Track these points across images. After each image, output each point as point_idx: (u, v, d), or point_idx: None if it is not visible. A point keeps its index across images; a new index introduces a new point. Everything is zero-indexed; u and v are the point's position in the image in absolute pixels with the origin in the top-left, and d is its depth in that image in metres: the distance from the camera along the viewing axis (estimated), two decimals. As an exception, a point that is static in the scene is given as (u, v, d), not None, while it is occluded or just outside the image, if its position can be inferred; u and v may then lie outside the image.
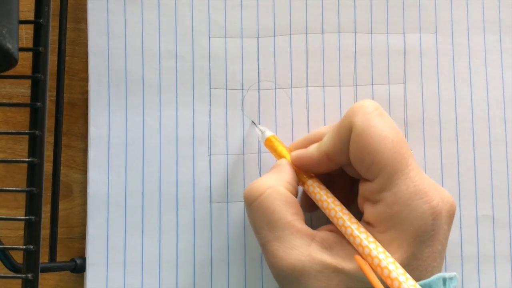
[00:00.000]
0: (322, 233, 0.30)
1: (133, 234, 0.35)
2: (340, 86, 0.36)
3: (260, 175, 0.36)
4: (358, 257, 0.28)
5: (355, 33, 0.37)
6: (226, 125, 0.36)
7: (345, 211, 0.30)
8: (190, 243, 0.35)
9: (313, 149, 0.31)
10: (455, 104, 0.37)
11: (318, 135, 0.32)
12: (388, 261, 0.27)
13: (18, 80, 0.36)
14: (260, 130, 0.35)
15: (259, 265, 0.35)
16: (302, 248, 0.29)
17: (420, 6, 0.37)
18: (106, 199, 0.35)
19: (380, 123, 0.29)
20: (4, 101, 0.36)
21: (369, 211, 0.29)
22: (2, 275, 0.29)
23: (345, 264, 0.28)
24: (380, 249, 0.28)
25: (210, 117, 0.36)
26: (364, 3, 0.37)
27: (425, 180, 0.29)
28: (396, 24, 0.37)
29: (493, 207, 0.36)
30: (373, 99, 0.36)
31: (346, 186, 0.33)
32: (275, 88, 0.36)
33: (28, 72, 0.29)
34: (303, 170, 0.32)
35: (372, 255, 0.28)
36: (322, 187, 0.31)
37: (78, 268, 0.35)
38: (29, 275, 0.27)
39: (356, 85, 0.36)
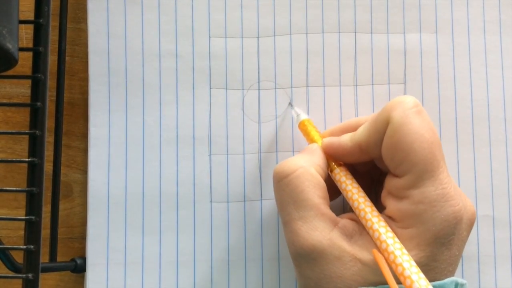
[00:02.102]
0: (344, 221, 0.30)
1: (133, 234, 0.35)
2: (340, 86, 0.36)
3: (260, 175, 0.36)
4: (375, 252, 0.28)
5: (355, 33, 0.37)
6: (226, 125, 0.36)
7: (368, 203, 0.30)
8: (190, 243, 0.35)
9: (346, 138, 0.31)
10: (455, 104, 0.37)
11: (352, 125, 0.33)
12: (403, 259, 0.27)
13: (18, 80, 0.36)
14: (296, 112, 0.35)
15: (259, 265, 0.35)
16: (324, 231, 0.29)
17: (420, 6, 0.37)
18: (106, 199, 0.35)
19: (417, 121, 0.29)
20: (4, 101, 0.36)
21: (393, 206, 0.29)
22: (3, 275, 0.29)
23: (363, 255, 0.29)
24: (398, 245, 0.28)
25: (210, 117, 0.36)
26: (364, 3, 0.37)
27: (452, 185, 0.29)
28: (396, 24, 0.37)
29: (493, 207, 0.36)
30: (373, 99, 0.36)
31: (369, 177, 0.33)
32: (275, 88, 0.36)
33: (28, 72, 0.29)
34: (333, 158, 0.32)
35: (389, 250, 0.28)
36: (349, 176, 0.31)
37: (78, 268, 0.35)
38: (30, 275, 0.27)
39: (356, 85, 0.36)
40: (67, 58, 0.36)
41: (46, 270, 0.34)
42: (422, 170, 0.28)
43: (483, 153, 0.36)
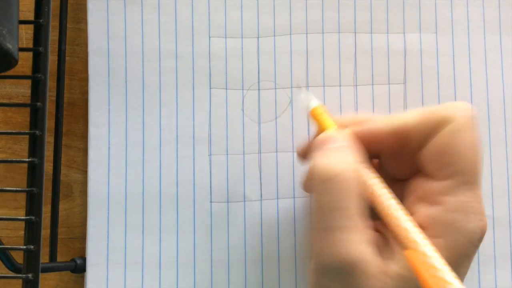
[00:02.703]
0: (373, 233, 0.29)
1: (133, 234, 0.35)
2: (340, 86, 0.36)
3: (260, 175, 0.36)
4: (408, 253, 0.26)
5: (355, 33, 0.37)
6: (226, 125, 0.36)
7: (400, 205, 0.28)
8: (190, 243, 0.35)
9: (381, 121, 0.29)
10: (455, 104, 0.37)
11: (366, 119, 0.30)
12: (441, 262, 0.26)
13: (18, 80, 0.36)
14: (307, 97, 0.32)
15: (259, 265, 0.35)
16: (358, 244, 0.27)
17: (420, 6, 0.37)
18: (106, 199, 0.35)
19: (476, 133, 0.28)
20: (4, 101, 0.36)
21: (424, 212, 0.28)
22: (3, 275, 0.29)
23: (393, 269, 0.27)
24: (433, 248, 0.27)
25: (210, 117, 0.36)
26: (364, 3, 0.37)
27: (483, 204, 0.28)
28: (396, 24, 0.37)
29: (493, 207, 0.36)
30: (373, 99, 0.36)
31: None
32: (275, 88, 0.36)
33: (28, 72, 0.29)
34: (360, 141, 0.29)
35: (428, 254, 0.26)
36: (377, 174, 0.29)
37: (78, 268, 0.35)
38: (30, 275, 0.27)
39: (356, 85, 0.36)
40: (67, 58, 0.36)
41: (46, 270, 0.34)
42: (466, 180, 0.28)
43: (484, 153, 0.36)
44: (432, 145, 0.28)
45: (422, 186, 0.29)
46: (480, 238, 0.28)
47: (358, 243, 0.27)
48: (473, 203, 0.28)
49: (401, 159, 0.30)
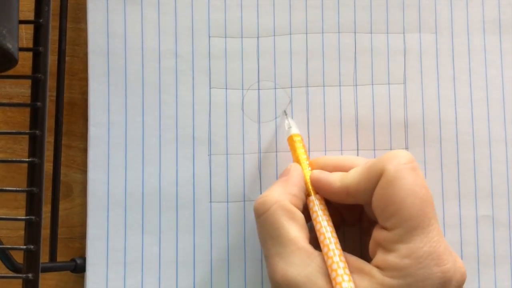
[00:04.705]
0: (322, 256, 0.30)
1: (133, 234, 0.35)
2: (340, 86, 0.36)
3: (260, 175, 0.36)
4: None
5: (355, 33, 0.37)
6: (226, 125, 0.36)
7: (333, 239, 0.30)
8: (190, 243, 0.35)
9: (336, 178, 0.31)
10: (455, 104, 0.37)
11: (346, 165, 0.32)
12: None
13: (18, 80, 0.36)
14: (288, 124, 0.35)
15: (259, 265, 0.35)
16: (300, 267, 0.29)
17: (420, 6, 0.37)
18: (106, 199, 0.35)
19: (411, 177, 0.29)
20: (4, 101, 0.36)
21: (380, 256, 0.29)
22: (3, 275, 0.29)
23: None
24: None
25: (210, 117, 0.36)
26: (364, 3, 0.37)
27: (443, 244, 0.29)
28: (396, 24, 0.37)
29: (493, 207, 0.36)
30: (373, 99, 0.36)
31: (353, 208, 0.33)
32: (275, 88, 0.36)
33: (28, 72, 0.29)
34: (317, 191, 0.32)
35: None
36: (322, 207, 0.31)
37: (78, 268, 0.35)
38: (30, 275, 0.27)
39: (356, 85, 0.36)
40: (67, 58, 0.36)
41: (46, 270, 0.34)
42: (412, 226, 0.28)
43: (483, 153, 0.36)
44: (374, 199, 0.30)
45: (378, 233, 0.30)
46: (444, 283, 0.28)
47: (299, 266, 0.29)
48: (426, 248, 0.28)
49: (361, 214, 0.33)
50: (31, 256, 0.27)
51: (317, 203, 0.32)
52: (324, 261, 0.29)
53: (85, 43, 0.36)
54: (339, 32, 0.37)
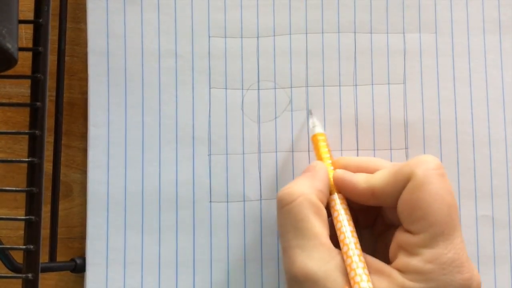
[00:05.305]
0: (341, 254, 0.30)
1: (133, 234, 0.35)
2: (340, 86, 0.36)
3: (260, 175, 0.36)
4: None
5: (355, 33, 0.37)
6: (226, 125, 0.36)
7: (353, 239, 0.30)
8: (190, 243, 0.35)
9: (361, 179, 0.31)
10: (455, 104, 0.37)
11: (370, 167, 0.32)
12: None
13: (18, 80, 0.36)
14: (313, 123, 0.35)
15: (259, 265, 0.35)
16: (321, 262, 0.29)
17: (420, 6, 0.37)
18: (106, 199, 0.35)
19: (440, 183, 0.29)
20: (4, 101, 0.36)
21: (403, 260, 0.29)
22: (2, 275, 0.29)
23: None
24: None
25: (209, 117, 0.36)
26: (364, 3, 0.37)
27: (465, 253, 0.29)
28: (396, 24, 0.37)
29: (493, 207, 0.36)
30: (373, 99, 0.36)
31: (370, 232, 0.33)
32: (275, 88, 0.36)
33: (28, 72, 0.29)
34: (339, 190, 0.32)
35: None
36: (344, 206, 0.31)
37: (78, 268, 0.35)
38: (29, 275, 0.27)
39: (356, 85, 0.36)
40: (66, 58, 0.36)
41: (45, 270, 0.34)
42: (438, 231, 0.28)
43: (483, 153, 0.36)
44: (400, 202, 0.30)
45: (401, 236, 0.30)
46: None
47: (320, 260, 0.29)
48: (450, 254, 0.28)
49: (376, 217, 0.33)
50: (31, 256, 0.27)
51: (340, 202, 0.31)
52: (343, 260, 0.29)
53: (85, 43, 0.36)
54: (339, 32, 0.37)
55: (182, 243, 0.35)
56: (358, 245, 0.30)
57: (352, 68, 0.36)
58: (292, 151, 0.36)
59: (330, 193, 0.32)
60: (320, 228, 0.30)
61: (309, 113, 0.36)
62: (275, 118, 0.36)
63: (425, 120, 0.36)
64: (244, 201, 0.35)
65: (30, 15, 0.34)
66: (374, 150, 0.36)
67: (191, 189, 0.35)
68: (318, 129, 0.35)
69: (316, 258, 0.29)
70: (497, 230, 0.36)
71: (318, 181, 0.31)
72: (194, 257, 0.35)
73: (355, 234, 0.30)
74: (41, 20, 0.28)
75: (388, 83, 0.36)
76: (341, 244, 0.30)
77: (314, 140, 0.35)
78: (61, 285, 0.36)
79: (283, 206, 0.30)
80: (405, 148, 0.36)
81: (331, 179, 0.32)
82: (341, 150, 0.36)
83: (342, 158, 0.34)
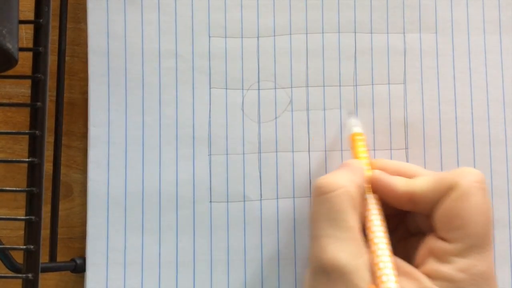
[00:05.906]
0: (370, 253, 0.30)
1: (133, 234, 0.35)
2: (340, 86, 0.36)
3: (260, 175, 0.36)
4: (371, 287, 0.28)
5: (355, 33, 0.37)
6: (226, 125, 0.36)
7: (384, 240, 0.30)
8: (190, 243, 0.35)
9: (400, 182, 0.31)
10: (455, 104, 0.37)
11: (407, 171, 0.32)
12: None
13: (18, 80, 0.36)
14: (352, 122, 0.35)
15: (259, 265, 0.35)
16: (351, 256, 0.29)
17: (420, 6, 0.37)
18: (106, 199, 0.35)
19: (482, 196, 0.29)
20: (4, 101, 0.36)
21: (432, 266, 0.29)
22: (2, 275, 0.29)
23: None
24: None
25: (210, 117, 0.36)
26: (364, 3, 0.37)
27: (493, 269, 0.29)
28: (396, 24, 0.37)
29: (493, 207, 0.36)
30: (373, 99, 0.36)
31: (395, 215, 0.33)
32: (275, 88, 0.36)
33: (28, 72, 0.29)
34: (374, 190, 0.32)
35: None
36: (378, 206, 0.31)
37: (78, 268, 0.35)
38: (29, 275, 0.27)
39: (356, 85, 0.36)
40: (67, 58, 0.36)
41: (46, 270, 0.34)
42: (474, 243, 0.29)
43: (483, 153, 0.36)
44: (441, 209, 0.30)
45: (434, 243, 0.30)
46: None
47: (351, 254, 0.28)
48: (481, 267, 0.28)
49: (416, 217, 0.33)
50: (31, 256, 0.27)
51: (374, 201, 0.31)
52: (371, 259, 0.29)
53: (85, 43, 0.36)
54: (339, 32, 0.37)
55: (182, 243, 0.35)
56: (389, 246, 0.30)
57: (352, 68, 0.36)
58: (292, 151, 0.36)
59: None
60: (356, 223, 0.29)
61: (349, 112, 0.36)
62: (275, 118, 0.36)
63: (425, 120, 0.36)
64: (244, 201, 0.35)
65: (31, 15, 0.34)
66: (374, 150, 0.36)
67: (191, 189, 0.35)
68: (357, 129, 0.35)
69: (348, 251, 0.29)
70: (497, 230, 0.36)
71: (358, 176, 0.31)
72: (194, 257, 0.35)
73: (386, 235, 0.30)
74: (41, 20, 0.28)
75: (388, 83, 0.37)
76: (370, 243, 0.30)
77: (352, 139, 0.34)
78: (61, 285, 0.36)
79: (321, 194, 0.30)
80: (405, 148, 0.36)
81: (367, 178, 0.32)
82: (341, 150, 0.36)
83: (380, 159, 0.34)
